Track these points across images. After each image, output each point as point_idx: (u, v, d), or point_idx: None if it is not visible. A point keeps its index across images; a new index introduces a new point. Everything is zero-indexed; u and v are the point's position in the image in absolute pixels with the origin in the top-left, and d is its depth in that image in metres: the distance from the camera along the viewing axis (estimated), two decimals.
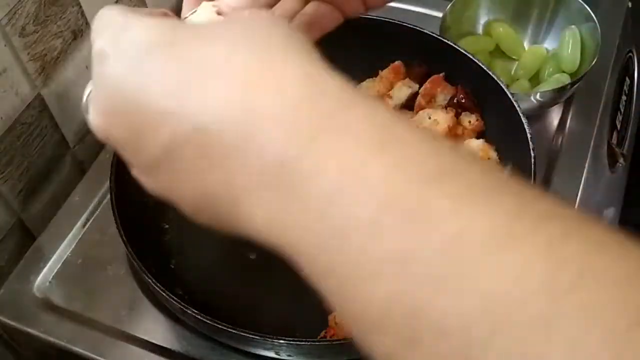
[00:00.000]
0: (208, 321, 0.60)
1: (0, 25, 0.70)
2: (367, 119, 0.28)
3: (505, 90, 0.73)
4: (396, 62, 0.83)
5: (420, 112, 0.79)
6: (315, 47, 0.34)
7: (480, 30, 0.93)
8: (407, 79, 0.83)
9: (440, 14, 0.88)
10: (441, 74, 0.81)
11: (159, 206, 0.76)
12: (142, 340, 0.71)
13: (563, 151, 0.83)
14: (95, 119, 0.35)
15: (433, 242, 0.24)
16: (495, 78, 0.74)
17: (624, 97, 0.95)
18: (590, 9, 0.86)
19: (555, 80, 0.85)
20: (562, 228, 0.24)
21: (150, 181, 0.34)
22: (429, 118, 0.77)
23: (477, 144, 0.75)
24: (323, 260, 0.27)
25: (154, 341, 0.71)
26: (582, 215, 0.25)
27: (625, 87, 0.96)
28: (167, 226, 0.77)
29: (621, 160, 0.92)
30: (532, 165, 0.67)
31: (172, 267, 0.74)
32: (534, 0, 0.91)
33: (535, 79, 0.89)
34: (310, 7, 0.53)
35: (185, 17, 0.43)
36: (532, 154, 0.68)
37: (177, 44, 0.32)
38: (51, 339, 0.72)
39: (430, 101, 0.80)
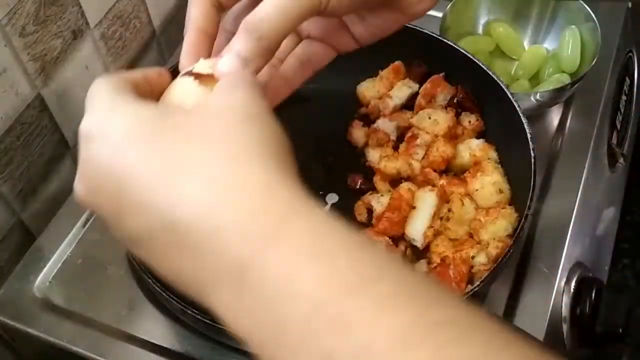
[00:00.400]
0: (208, 321, 0.60)
1: (0, 25, 0.71)
2: (308, 231, 0.34)
3: (505, 90, 0.73)
4: (396, 62, 0.83)
5: (420, 112, 0.79)
6: (284, 148, 0.39)
7: (480, 30, 0.93)
8: (407, 79, 0.83)
9: (440, 14, 0.88)
10: (441, 74, 0.81)
11: None
12: (142, 340, 0.71)
13: (563, 151, 0.83)
14: (79, 190, 0.41)
15: (349, 348, 0.30)
16: (495, 78, 0.74)
17: (624, 97, 0.95)
18: (590, 9, 0.86)
19: (555, 80, 0.85)
20: (455, 333, 0.30)
21: (127, 246, 0.39)
22: (429, 118, 0.77)
23: (477, 143, 0.75)
24: (268, 348, 0.33)
25: (154, 341, 0.71)
26: (476, 318, 0.31)
27: (625, 87, 0.96)
28: None
29: (621, 160, 0.92)
30: (532, 165, 0.67)
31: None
32: (534, 0, 0.91)
33: (535, 79, 0.89)
34: (301, 47, 0.56)
35: (184, 73, 0.46)
36: (532, 154, 0.68)
37: (157, 136, 0.37)
38: (51, 339, 0.72)
39: (430, 101, 0.80)
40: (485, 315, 0.31)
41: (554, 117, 0.87)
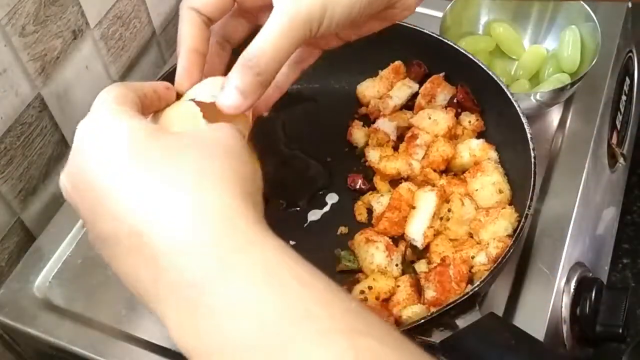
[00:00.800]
0: None
1: (0, 25, 0.70)
2: (262, 263, 0.37)
3: (505, 90, 0.73)
4: (396, 62, 0.83)
5: (420, 112, 0.79)
6: (256, 188, 0.42)
7: (480, 30, 0.93)
8: (407, 79, 0.83)
9: (440, 14, 0.88)
10: (441, 74, 0.81)
11: None
12: (142, 340, 0.71)
13: (563, 151, 0.83)
14: (63, 184, 0.43)
15: None
16: (496, 78, 0.74)
17: (624, 97, 0.95)
18: (590, 9, 0.86)
19: (555, 80, 0.85)
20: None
21: (95, 245, 0.42)
22: (429, 118, 0.77)
23: (477, 143, 0.75)
24: None
25: (154, 341, 0.71)
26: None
27: (625, 87, 0.96)
28: None
29: (621, 160, 0.92)
30: (532, 165, 0.67)
31: None
32: (534, 0, 0.91)
33: (535, 79, 0.89)
34: None
35: (189, 100, 0.49)
36: (532, 154, 0.68)
37: (142, 156, 0.40)
38: (51, 339, 0.72)
39: (430, 101, 0.80)
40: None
41: (554, 117, 0.87)
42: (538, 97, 0.81)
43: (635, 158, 1.03)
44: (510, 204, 0.71)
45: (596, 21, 0.85)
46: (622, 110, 0.95)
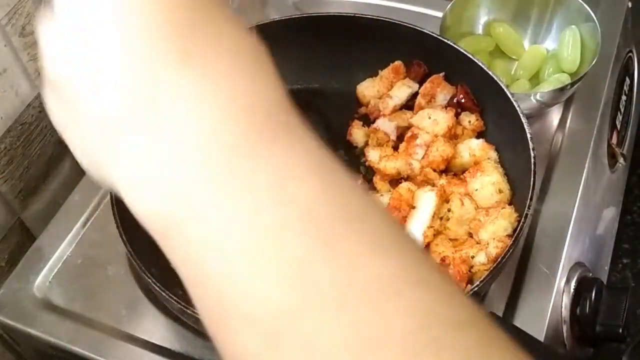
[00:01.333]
0: None
1: (0, 25, 0.71)
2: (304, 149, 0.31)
3: (505, 90, 0.73)
4: (396, 62, 0.83)
5: (420, 111, 0.79)
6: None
7: (480, 30, 0.93)
8: (407, 79, 0.83)
9: (440, 14, 0.88)
10: (441, 74, 0.81)
11: None
12: (142, 340, 0.71)
13: (563, 151, 0.83)
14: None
15: None
16: (496, 78, 0.74)
17: (624, 97, 0.95)
18: (590, 9, 0.85)
19: (555, 80, 0.85)
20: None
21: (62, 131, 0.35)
22: (429, 118, 0.77)
23: (476, 143, 0.75)
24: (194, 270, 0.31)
25: (154, 341, 0.71)
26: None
27: (625, 87, 0.96)
28: None
29: (621, 160, 0.92)
30: (532, 165, 0.67)
31: (173, 267, 0.73)
32: (534, 0, 0.91)
33: (535, 79, 0.89)
34: None
35: None
36: (532, 154, 0.68)
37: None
38: (51, 339, 0.72)
39: (430, 101, 0.80)
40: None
41: (554, 117, 0.87)
42: (538, 97, 0.81)
43: (635, 158, 1.03)
44: (510, 204, 0.71)
45: (596, 21, 0.84)
46: (622, 110, 0.95)
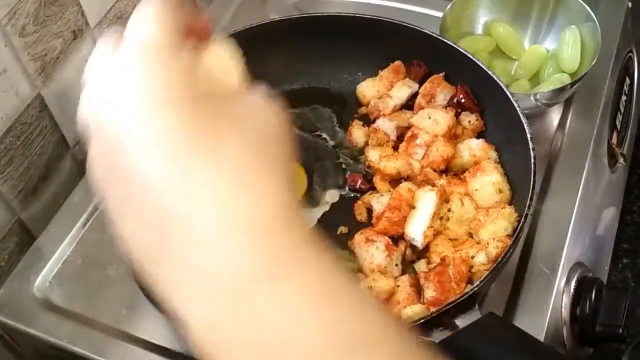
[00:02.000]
0: None
1: (0, 25, 0.71)
2: (316, 275, 0.32)
3: (505, 90, 0.73)
4: (396, 62, 0.83)
5: (420, 111, 0.79)
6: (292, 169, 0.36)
7: (480, 30, 0.93)
8: (407, 79, 0.83)
9: (440, 14, 0.88)
10: (441, 74, 0.81)
11: None
12: (142, 340, 0.71)
13: (563, 151, 0.83)
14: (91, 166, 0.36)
15: None
16: (495, 78, 0.74)
17: (624, 97, 0.95)
18: (590, 9, 0.85)
19: (555, 80, 0.85)
20: None
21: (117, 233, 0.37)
22: (429, 118, 0.77)
23: (476, 143, 0.75)
24: None
25: (154, 341, 0.71)
26: None
27: (625, 87, 0.96)
28: None
29: (621, 160, 0.92)
30: (532, 165, 0.67)
31: None
32: (534, 0, 0.91)
33: (535, 79, 0.89)
34: None
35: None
36: (532, 154, 0.68)
37: (192, 125, 0.32)
38: (51, 339, 0.72)
39: (430, 101, 0.80)
40: None
41: (554, 117, 0.87)
42: (538, 97, 0.81)
43: (635, 158, 1.03)
44: (510, 204, 0.71)
45: (596, 21, 0.84)
46: (622, 110, 0.95)
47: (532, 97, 0.81)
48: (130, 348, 0.70)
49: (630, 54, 0.99)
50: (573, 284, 0.74)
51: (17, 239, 0.82)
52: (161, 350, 0.70)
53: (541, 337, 0.68)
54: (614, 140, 0.91)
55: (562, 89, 0.81)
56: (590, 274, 0.78)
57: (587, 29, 0.86)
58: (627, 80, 0.97)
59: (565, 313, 0.73)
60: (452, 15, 0.89)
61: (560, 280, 0.73)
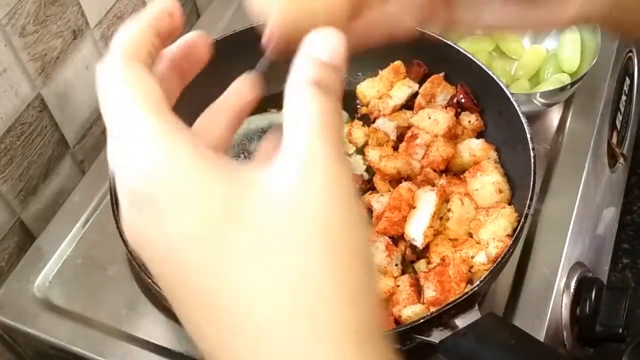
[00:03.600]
0: None
1: (0, 25, 0.71)
2: None
3: (505, 90, 0.73)
4: (396, 62, 0.83)
5: (420, 111, 0.79)
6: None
7: (480, 30, 0.93)
8: (407, 79, 0.83)
9: None
10: (441, 74, 0.81)
11: None
12: (142, 340, 0.71)
13: (563, 151, 0.83)
14: (126, 236, 0.32)
15: None
16: (495, 78, 0.74)
17: (624, 97, 0.95)
18: None
19: (555, 80, 0.85)
20: None
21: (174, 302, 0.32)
22: (429, 118, 0.77)
23: (476, 143, 0.75)
24: None
25: (154, 341, 0.71)
26: None
27: (625, 87, 0.96)
28: None
29: (621, 160, 0.92)
30: (533, 165, 0.67)
31: None
32: None
33: (535, 79, 0.89)
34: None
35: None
36: (532, 154, 0.68)
37: (226, 232, 0.29)
38: (51, 339, 0.72)
39: (430, 101, 0.80)
40: None
41: (554, 117, 0.87)
42: (538, 97, 0.81)
43: (635, 158, 1.03)
44: (510, 204, 0.71)
45: None
46: (622, 110, 0.95)
47: (532, 97, 0.81)
48: (130, 348, 0.70)
49: (630, 54, 0.99)
50: (573, 284, 0.74)
51: (17, 239, 0.82)
52: (161, 350, 0.70)
53: (541, 337, 0.68)
54: (614, 140, 0.91)
55: (562, 89, 0.81)
56: (590, 274, 0.78)
57: (587, 29, 0.86)
58: (627, 80, 0.97)
59: (565, 313, 0.73)
60: None
61: (560, 280, 0.73)
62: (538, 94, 0.81)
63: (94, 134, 0.90)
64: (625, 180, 1.00)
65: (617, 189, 0.97)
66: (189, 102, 0.82)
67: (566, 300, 0.73)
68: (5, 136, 0.76)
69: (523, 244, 0.74)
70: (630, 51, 0.99)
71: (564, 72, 0.87)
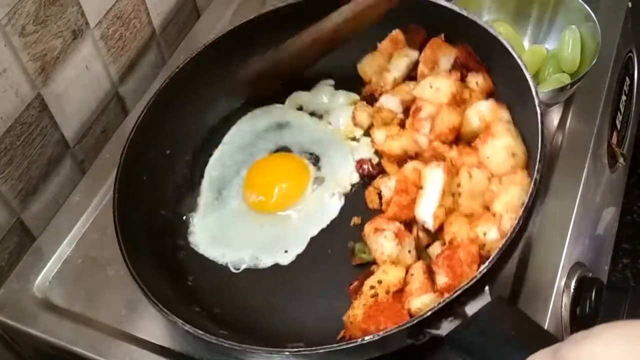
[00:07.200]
0: (203, 335, 0.60)
1: (0, 25, 0.70)
2: None
3: (507, 45, 0.69)
4: (393, 32, 0.79)
5: (422, 81, 0.74)
6: None
7: None
8: (406, 48, 0.78)
9: None
10: (440, 36, 0.76)
11: (169, 227, 0.76)
12: (142, 340, 0.71)
13: (563, 151, 0.83)
14: None
15: None
16: (495, 34, 0.70)
17: (624, 97, 0.95)
18: (590, 9, 0.85)
19: (555, 80, 0.85)
20: None
21: None
22: (430, 87, 0.72)
23: (486, 105, 0.70)
24: None
25: (154, 341, 0.71)
26: None
27: (625, 87, 0.96)
28: (182, 243, 0.76)
29: (621, 160, 0.92)
30: (540, 124, 0.63)
31: (190, 284, 0.72)
32: (534, 0, 0.91)
33: (535, 79, 0.89)
34: None
35: None
36: (539, 111, 0.64)
37: None
38: (51, 339, 0.72)
39: (434, 67, 0.75)
40: None
41: (554, 117, 0.87)
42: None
43: (635, 158, 1.03)
44: (527, 167, 0.66)
45: (596, 21, 0.84)
46: (622, 110, 0.95)
47: None
48: (130, 348, 0.70)
49: (630, 54, 0.99)
50: (573, 284, 0.74)
51: (17, 239, 0.82)
52: (161, 350, 0.70)
53: None
54: (614, 140, 0.91)
55: (562, 89, 0.81)
56: (590, 274, 0.78)
57: (587, 29, 0.86)
58: (627, 80, 0.97)
59: (565, 313, 0.72)
60: None
61: (560, 280, 0.73)
62: (538, 94, 0.81)
63: (94, 134, 0.90)
64: (625, 180, 1.00)
65: (617, 189, 0.97)
66: (193, 102, 0.80)
67: (566, 300, 0.73)
68: (5, 136, 0.75)
69: (524, 243, 0.74)
70: (630, 51, 0.99)
71: (564, 72, 0.87)
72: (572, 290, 0.74)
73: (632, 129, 1.00)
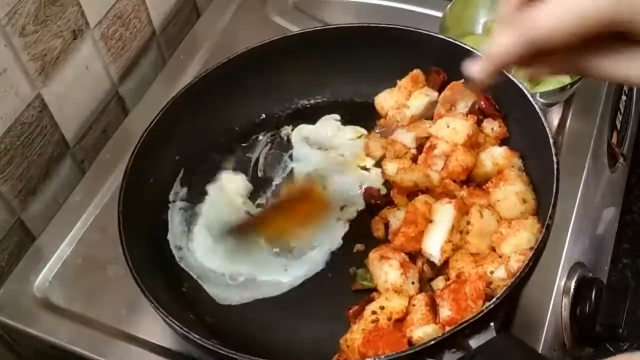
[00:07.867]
0: (204, 342, 0.60)
1: (0, 25, 0.71)
2: None
3: (526, 92, 0.70)
4: (414, 71, 0.80)
5: (439, 120, 0.75)
6: None
7: (480, 30, 0.93)
8: (426, 87, 0.80)
9: (440, 14, 0.88)
10: (461, 81, 0.77)
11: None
12: (142, 340, 0.71)
13: (563, 151, 0.83)
14: None
15: None
16: (516, 81, 0.71)
17: (624, 97, 0.95)
18: None
19: (555, 80, 0.85)
20: None
21: None
22: (448, 127, 0.74)
23: (499, 151, 0.72)
24: None
25: (154, 341, 0.71)
26: None
27: (625, 87, 0.96)
28: (181, 249, 0.75)
29: (621, 160, 0.92)
30: (555, 172, 0.65)
31: (185, 290, 0.72)
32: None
33: (535, 79, 0.89)
34: None
35: None
36: (555, 160, 0.65)
37: None
38: (51, 339, 0.72)
39: (451, 109, 0.77)
40: None
41: (554, 117, 0.87)
42: (538, 97, 0.81)
43: (635, 158, 1.03)
44: (536, 214, 0.67)
45: None
46: (622, 110, 0.94)
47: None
48: (130, 348, 0.70)
49: None
50: (573, 284, 0.74)
51: (17, 239, 0.82)
52: (161, 350, 0.70)
53: (541, 337, 0.68)
54: (614, 140, 0.91)
55: (562, 89, 0.81)
56: (590, 274, 0.78)
57: None
58: None
59: (565, 313, 0.72)
60: (452, 15, 0.89)
61: (560, 280, 0.73)
62: (538, 94, 0.81)
63: (94, 134, 0.90)
64: (625, 180, 1.00)
65: (617, 189, 0.97)
66: (207, 112, 0.78)
67: (566, 301, 0.73)
68: (5, 136, 0.76)
69: None
70: None
71: None
72: (572, 290, 0.74)
73: (632, 129, 1.00)
